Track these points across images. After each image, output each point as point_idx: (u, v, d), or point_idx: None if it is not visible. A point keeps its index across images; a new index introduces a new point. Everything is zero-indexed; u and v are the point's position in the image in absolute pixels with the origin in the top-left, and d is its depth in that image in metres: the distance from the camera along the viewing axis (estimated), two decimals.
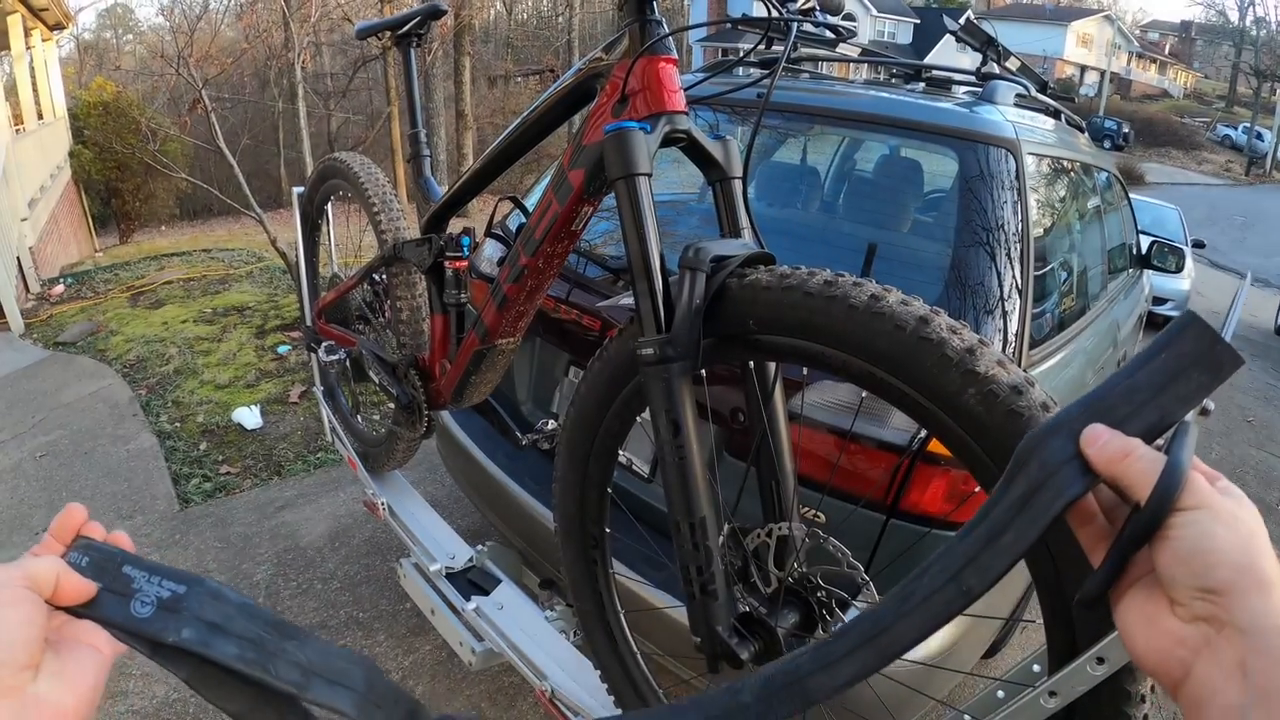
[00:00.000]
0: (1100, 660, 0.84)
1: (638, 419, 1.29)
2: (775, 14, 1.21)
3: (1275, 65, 43.71)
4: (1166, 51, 58.62)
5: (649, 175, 1.12)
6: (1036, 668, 0.98)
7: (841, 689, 0.57)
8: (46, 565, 0.50)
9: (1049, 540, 0.85)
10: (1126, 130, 37.43)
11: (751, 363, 1.17)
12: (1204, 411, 0.50)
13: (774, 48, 1.38)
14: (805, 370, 1.08)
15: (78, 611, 0.50)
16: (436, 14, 2.08)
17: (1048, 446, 0.51)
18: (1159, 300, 8.57)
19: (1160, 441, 0.51)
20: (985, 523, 0.53)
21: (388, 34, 2.14)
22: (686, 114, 1.20)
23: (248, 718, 0.52)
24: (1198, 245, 10.27)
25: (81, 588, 0.50)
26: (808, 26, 1.31)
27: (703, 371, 1.11)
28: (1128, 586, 0.50)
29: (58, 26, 13.26)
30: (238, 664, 0.50)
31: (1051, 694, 0.90)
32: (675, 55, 1.21)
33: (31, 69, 11.86)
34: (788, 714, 0.58)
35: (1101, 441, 0.49)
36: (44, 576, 0.49)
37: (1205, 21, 57.88)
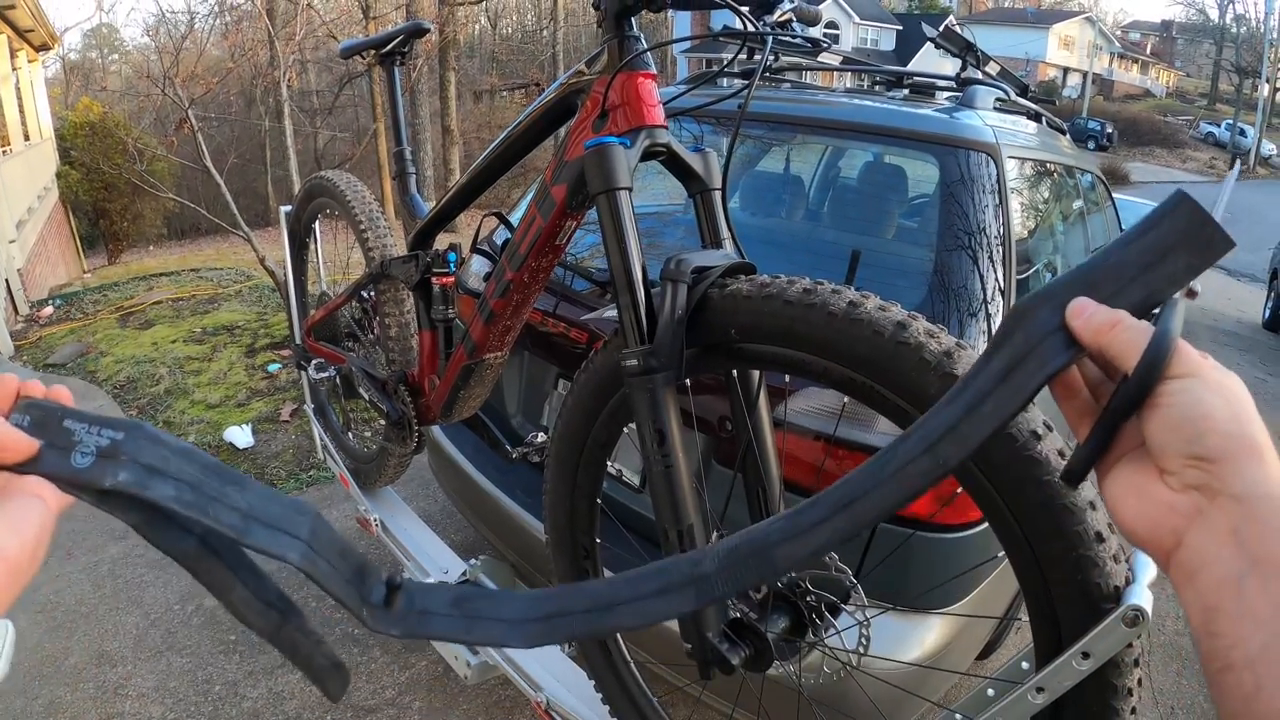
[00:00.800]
0: (1085, 655, 0.85)
1: (625, 429, 1.30)
2: (752, 28, 1.22)
3: (1256, 62, 43.98)
4: (1148, 51, 59.00)
5: (629, 189, 1.13)
6: (1025, 665, 0.99)
7: (810, 558, 0.56)
8: None
9: (1029, 536, 0.87)
10: (1110, 131, 37.64)
11: (735, 371, 1.18)
12: (1191, 293, 0.50)
13: (755, 58, 1.39)
14: (788, 377, 1.09)
15: (21, 469, 0.50)
16: (420, 32, 2.09)
17: (1034, 318, 0.51)
18: None
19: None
20: (966, 392, 0.52)
21: (372, 52, 2.16)
22: (666, 128, 1.21)
23: (195, 565, 0.53)
24: None
25: (22, 446, 0.50)
26: (786, 38, 1.33)
27: (687, 381, 1.12)
28: (1114, 461, 0.49)
29: (43, 47, 13.28)
30: (175, 505, 0.50)
31: (1039, 690, 0.91)
32: (654, 70, 1.23)
33: (18, 90, 11.85)
34: (750, 584, 0.57)
35: (1088, 313, 0.49)
36: None
37: (1186, 20, 58.37)
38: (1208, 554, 0.43)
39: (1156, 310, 0.50)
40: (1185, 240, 0.49)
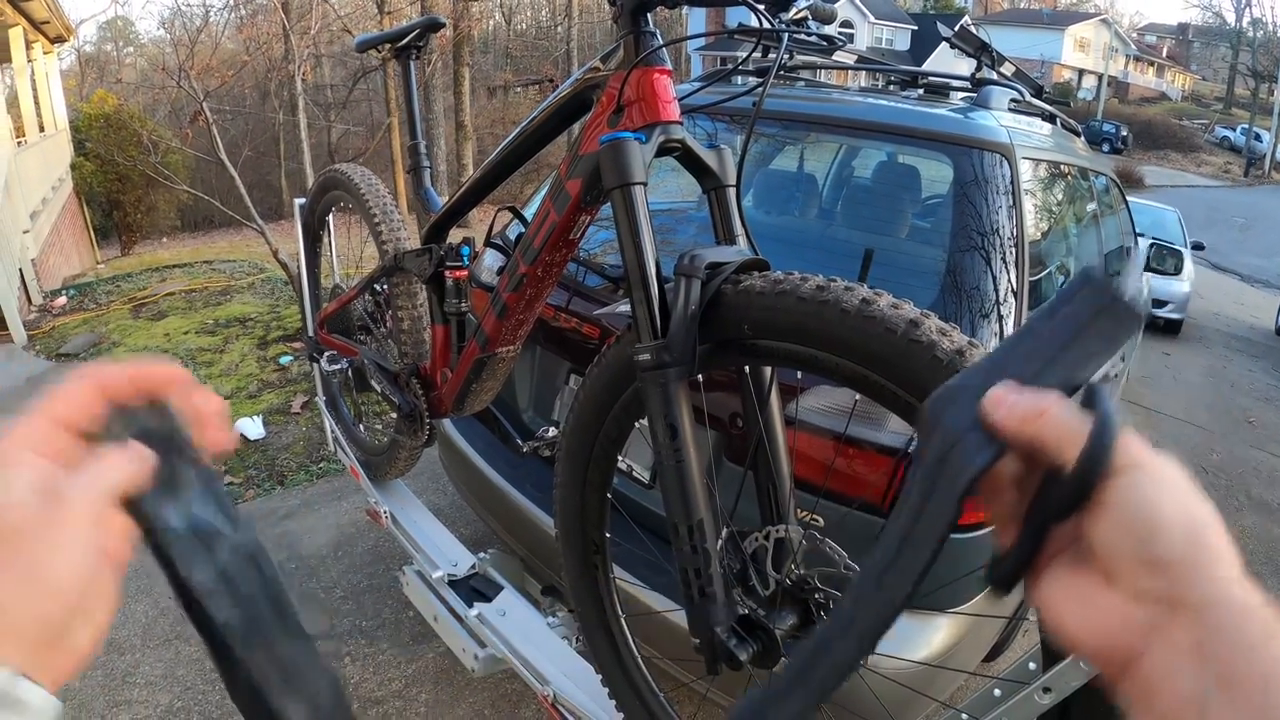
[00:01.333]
0: None
1: (636, 425, 1.30)
2: (767, 24, 1.22)
3: (1272, 66, 43.76)
4: (1164, 54, 58.67)
5: (644, 184, 1.14)
6: (1032, 665, 0.99)
7: None
8: (123, 474, 0.44)
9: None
10: (1125, 133, 37.51)
11: (747, 367, 1.18)
12: (1106, 378, 0.46)
13: (770, 56, 1.39)
14: (800, 374, 1.09)
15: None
16: (435, 26, 2.10)
17: (946, 416, 0.45)
18: (1159, 303, 8.58)
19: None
20: (899, 516, 0.47)
21: (387, 46, 2.17)
22: (681, 124, 1.21)
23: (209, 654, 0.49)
24: (1197, 247, 10.29)
25: (137, 465, 0.45)
26: (801, 35, 1.33)
27: (699, 377, 1.13)
28: (1047, 562, 0.44)
29: (59, 39, 13.32)
30: (219, 629, 0.47)
31: (1045, 690, 0.91)
32: (670, 66, 1.23)
33: (33, 81, 11.91)
34: None
35: (1010, 402, 0.43)
36: (122, 486, 0.44)
37: (1202, 23, 58.00)
38: (1168, 670, 0.38)
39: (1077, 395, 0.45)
40: (1097, 319, 0.46)
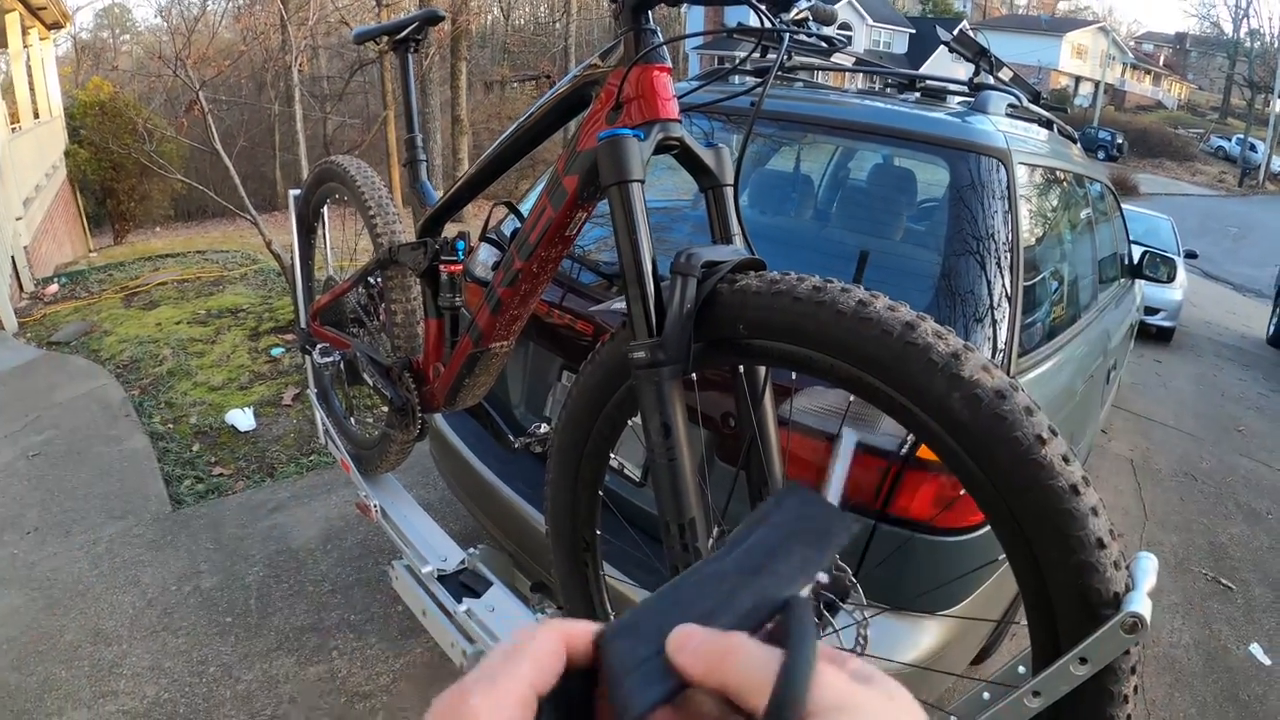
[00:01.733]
0: (1083, 660, 0.85)
1: (629, 422, 1.30)
2: (768, 24, 1.22)
3: (1269, 77, 43.87)
4: (1161, 63, 58.79)
5: (642, 182, 1.13)
6: (1022, 669, 0.99)
7: None
8: None
9: (1031, 540, 0.87)
10: (1120, 141, 37.61)
11: (741, 367, 1.18)
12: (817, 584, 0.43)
13: (769, 56, 1.39)
14: (794, 375, 1.09)
15: None
16: (434, 19, 2.09)
17: (614, 652, 0.39)
18: (1151, 310, 8.61)
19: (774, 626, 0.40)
20: None
21: (385, 39, 2.16)
22: (680, 122, 1.21)
23: None
24: (1190, 256, 10.32)
25: None
26: (802, 36, 1.33)
27: (693, 376, 1.13)
28: None
29: (55, 25, 13.26)
30: None
31: (1035, 694, 0.91)
32: (669, 64, 1.23)
33: (28, 67, 11.85)
34: None
35: (693, 644, 0.37)
36: None
37: (1200, 33, 58.17)
38: None
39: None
40: (799, 533, 0.42)
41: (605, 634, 0.40)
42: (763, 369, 1.18)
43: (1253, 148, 40.67)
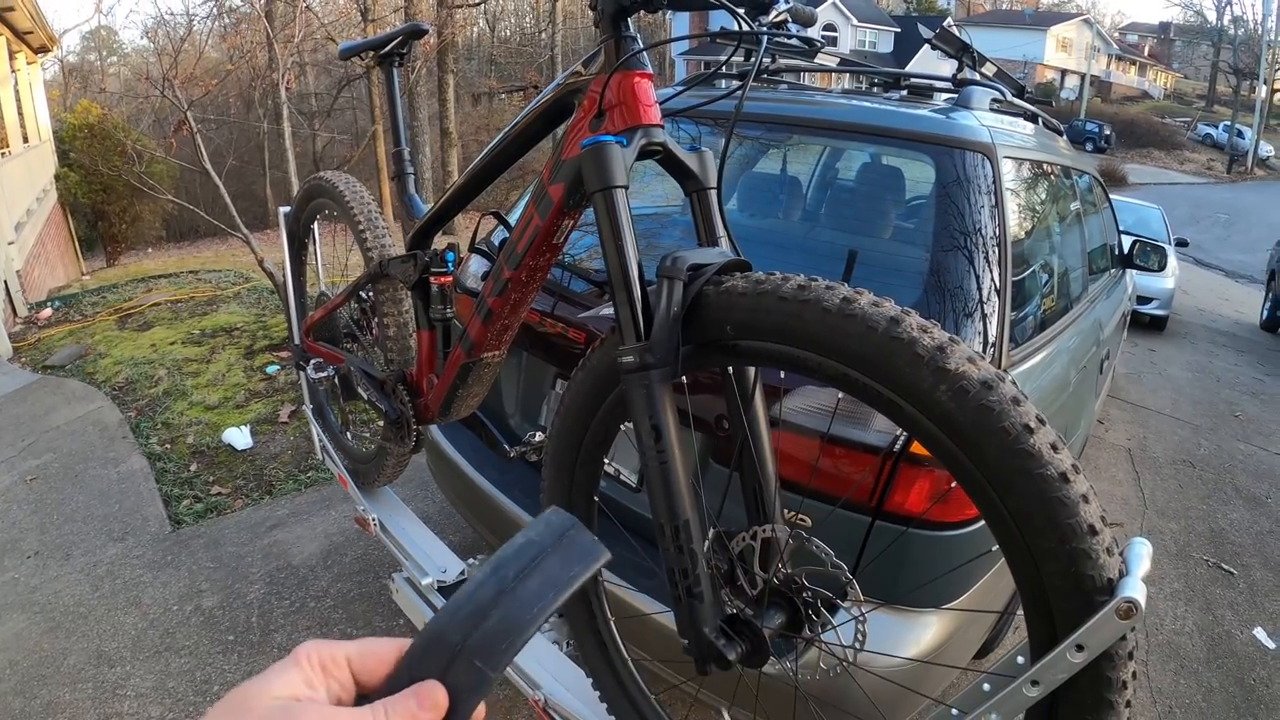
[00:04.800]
0: (1079, 648, 0.86)
1: (622, 427, 1.30)
2: (747, 28, 1.23)
3: (1254, 63, 44.01)
4: (1145, 53, 58.97)
5: (626, 188, 1.14)
6: (1021, 659, 0.99)
7: None
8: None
9: (1023, 530, 0.88)
10: (1108, 132, 37.71)
11: (731, 368, 1.19)
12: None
13: (753, 59, 1.40)
14: (783, 375, 1.10)
15: None
16: (418, 33, 2.10)
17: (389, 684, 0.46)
18: (1144, 300, 8.63)
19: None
20: None
21: (370, 54, 2.17)
22: (662, 127, 1.22)
23: None
24: (1181, 244, 10.36)
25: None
26: (781, 38, 1.34)
27: (684, 379, 1.13)
28: None
29: (42, 49, 13.26)
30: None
31: (1034, 683, 0.91)
32: (650, 70, 1.24)
33: (16, 92, 11.84)
34: None
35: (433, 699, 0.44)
36: None
37: (1184, 22, 58.26)
38: None
39: None
40: (558, 546, 0.47)
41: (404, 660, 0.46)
42: (752, 369, 1.19)
43: (1240, 134, 40.81)
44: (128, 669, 2.68)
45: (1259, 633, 3.32)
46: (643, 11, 1.24)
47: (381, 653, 0.48)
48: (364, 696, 0.46)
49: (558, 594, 0.45)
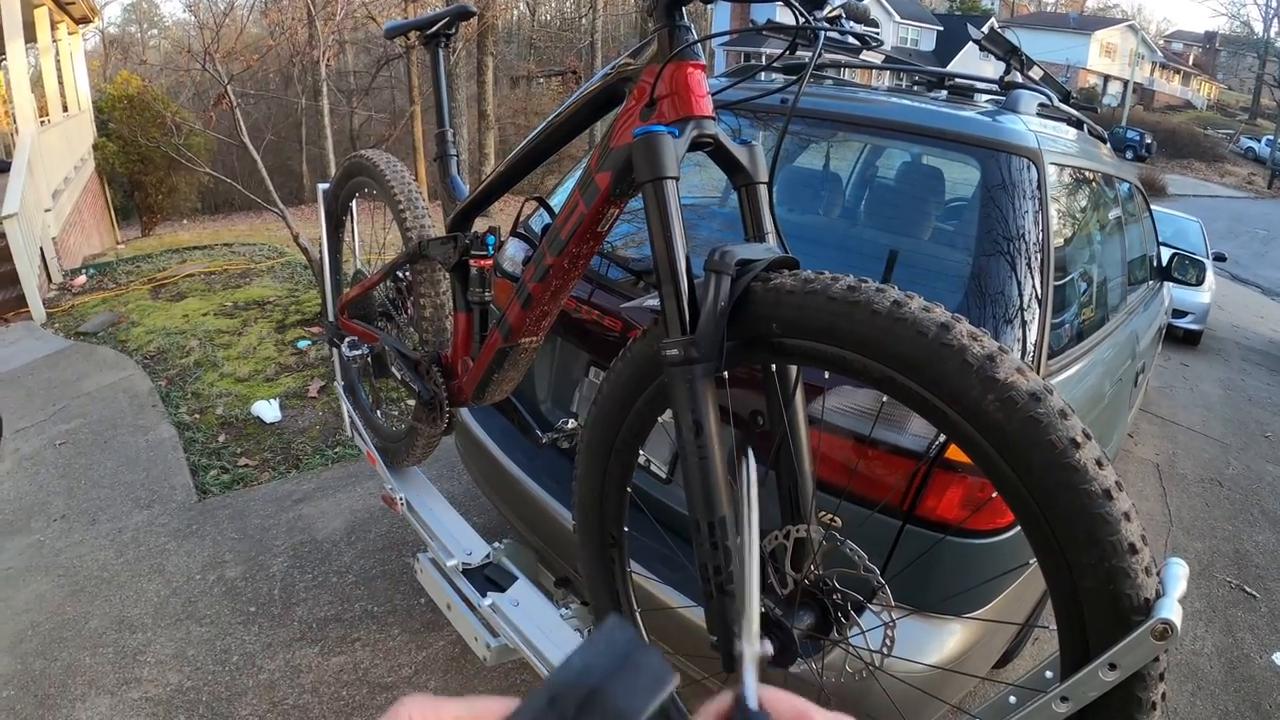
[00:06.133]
0: (1112, 666, 0.85)
1: (659, 419, 1.30)
2: (803, 21, 1.22)
3: None
4: (1190, 62, 58.14)
5: (676, 179, 1.14)
6: (1049, 674, 0.99)
7: None
8: None
9: (1063, 544, 0.87)
10: (1149, 141, 37.27)
11: (773, 366, 1.18)
12: None
13: (799, 54, 1.39)
14: (826, 375, 1.09)
15: None
16: (465, 15, 2.10)
17: None
18: (1179, 313, 8.52)
19: None
20: None
21: (415, 34, 2.17)
22: (714, 119, 1.21)
23: None
24: (1219, 259, 10.22)
25: None
26: (835, 33, 1.33)
27: (725, 374, 1.12)
28: None
29: (83, 20, 13.37)
30: None
31: (1064, 699, 0.91)
32: (703, 61, 1.23)
33: (57, 62, 11.95)
34: None
35: None
36: None
37: (1229, 32, 57.52)
38: None
39: None
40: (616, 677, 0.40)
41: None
42: (795, 368, 1.18)
43: None
44: (149, 635, 2.72)
45: (1278, 658, 3.28)
46: (696, 2, 1.23)
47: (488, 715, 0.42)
48: None
49: None
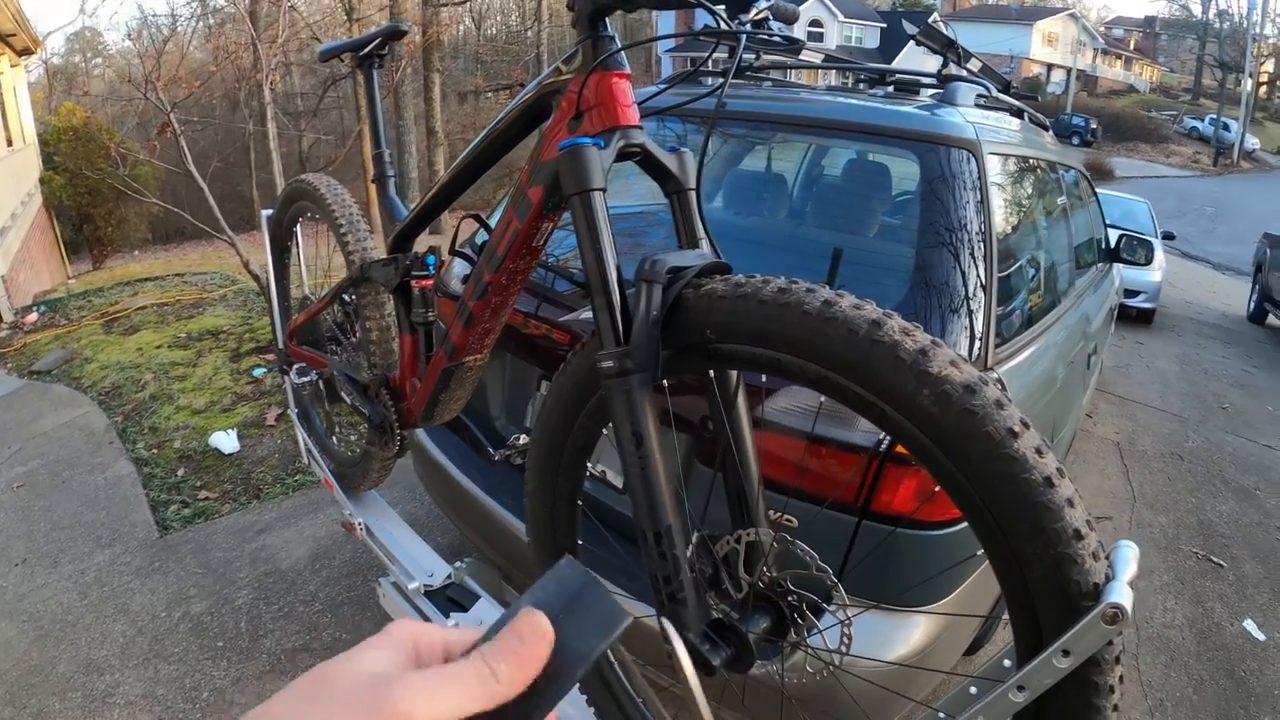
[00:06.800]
0: (1066, 653, 0.85)
1: (604, 431, 1.29)
2: (725, 26, 1.22)
3: (1239, 56, 44.21)
4: (1131, 47, 59.19)
5: (603, 190, 1.13)
6: (1007, 663, 0.98)
7: None
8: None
9: (1007, 534, 0.87)
10: (1094, 126, 37.92)
11: (712, 372, 1.17)
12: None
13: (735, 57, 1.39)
14: (764, 377, 1.08)
15: None
16: (397, 34, 2.08)
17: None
18: (1132, 293, 8.65)
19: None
20: None
21: (349, 55, 2.15)
22: (640, 128, 1.20)
23: None
24: (1168, 237, 10.39)
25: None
26: (762, 36, 1.33)
27: (665, 382, 1.12)
28: None
29: (25, 52, 13.19)
30: None
31: (1020, 688, 0.90)
32: (628, 70, 1.22)
33: (0, 95, 11.77)
34: None
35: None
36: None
37: (1169, 16, 58.55)
38: None
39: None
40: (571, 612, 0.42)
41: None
42: (734, 373, 1.18)
43: (1226, 127, 41.04)
44: (117, 677, 2.66)
45: (1249, 625, 3.33)
46: (621, 11, 1.23)
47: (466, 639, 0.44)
48: None
49: (573, 671, 0.41)
